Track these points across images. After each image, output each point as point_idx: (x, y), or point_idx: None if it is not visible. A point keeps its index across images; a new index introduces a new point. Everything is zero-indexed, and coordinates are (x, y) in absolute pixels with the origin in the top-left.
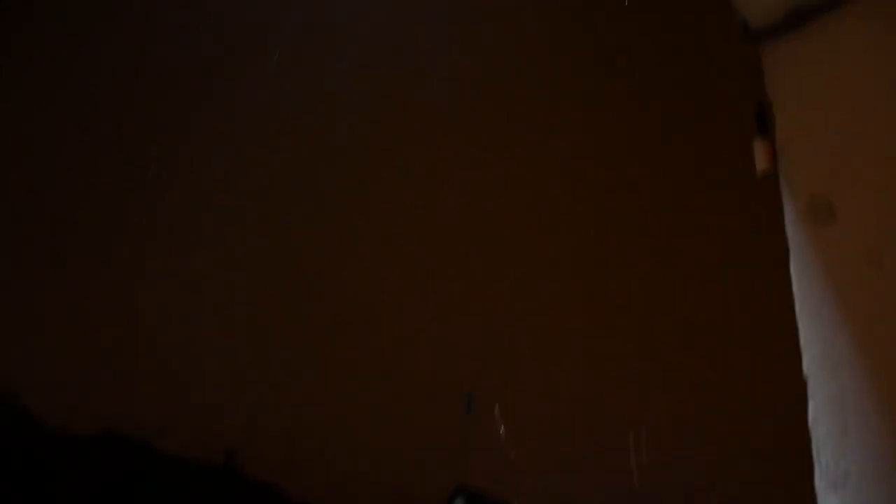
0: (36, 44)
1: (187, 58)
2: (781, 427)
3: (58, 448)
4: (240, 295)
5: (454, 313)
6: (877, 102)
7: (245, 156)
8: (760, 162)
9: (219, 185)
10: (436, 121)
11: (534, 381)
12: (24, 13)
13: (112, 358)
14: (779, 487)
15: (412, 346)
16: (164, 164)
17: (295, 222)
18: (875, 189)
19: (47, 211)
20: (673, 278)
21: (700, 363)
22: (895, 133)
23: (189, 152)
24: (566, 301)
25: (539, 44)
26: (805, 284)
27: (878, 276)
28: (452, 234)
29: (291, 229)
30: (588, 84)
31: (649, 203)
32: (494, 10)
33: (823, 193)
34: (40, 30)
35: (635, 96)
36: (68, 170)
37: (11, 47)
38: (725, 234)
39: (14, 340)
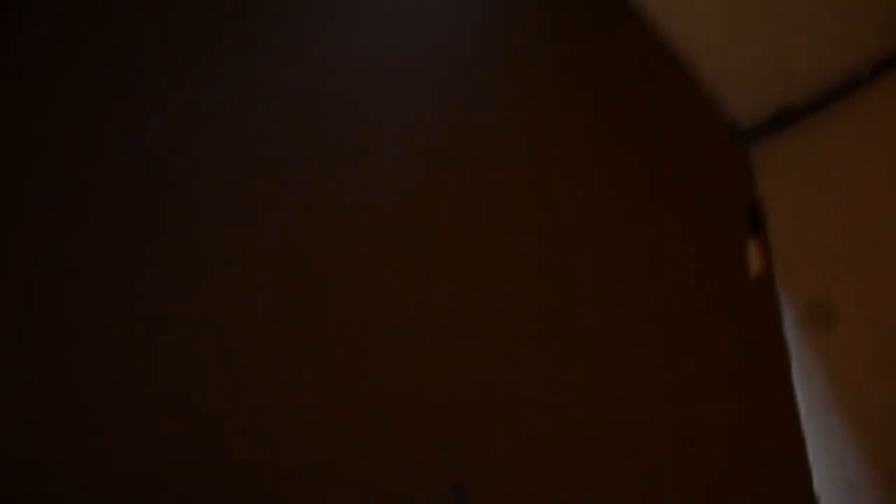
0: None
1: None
2: None
3: None
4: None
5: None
6: (871, 203)
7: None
8: (754, 263)
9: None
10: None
11: (527, 471)
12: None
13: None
14: None
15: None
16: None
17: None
18: (878, 293)
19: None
20: (664, 388)
21: (702, 477)
22: (893, 234)
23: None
24: (560, 399)
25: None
26: (809, 394)
27: (887, 388)
28: (444, 319)
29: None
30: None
31: (636, 301)
32: (486, 93)
33: (823, 297)
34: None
35: (624, 195)
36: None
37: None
38: (718, 339)
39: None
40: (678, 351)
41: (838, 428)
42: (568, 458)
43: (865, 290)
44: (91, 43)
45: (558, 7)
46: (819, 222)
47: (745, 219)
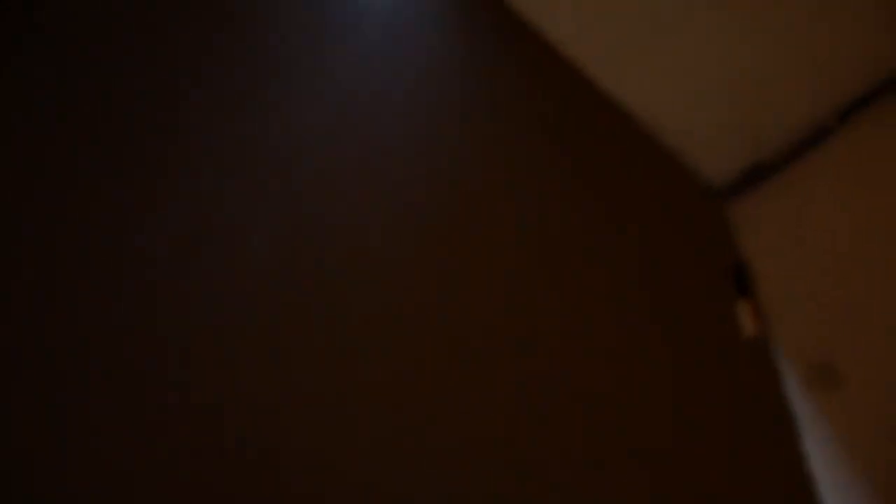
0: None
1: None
2: None
3: None
4: None
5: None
6: (858, 253)
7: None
8: (747, 327)
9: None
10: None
11: None
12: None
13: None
14: None
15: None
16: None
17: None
18: (881, 349)
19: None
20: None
21: None
22: (889, 286)
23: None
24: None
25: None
26: (822, 455)
27: None
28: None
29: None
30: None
31: (620, 376)
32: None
33: (825, 357)
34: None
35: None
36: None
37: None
38: (715, 407)
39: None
40: (674, 422)
41: (851, 487)
42: None
43: (868, 347)
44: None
45: (537, 70)
46: (810, 279)
47: (731, 281)
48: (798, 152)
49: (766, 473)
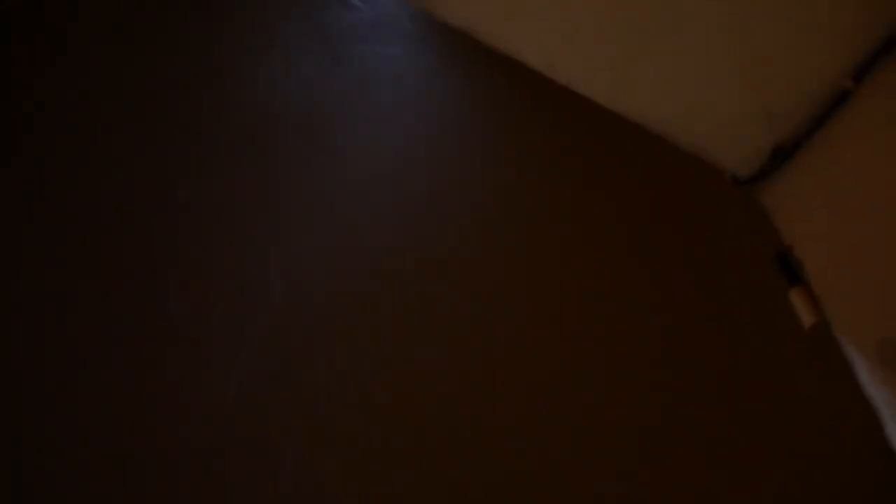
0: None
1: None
2: None
3: None
4: None
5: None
6: None
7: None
8: (806, 315)
9: None
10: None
11: None
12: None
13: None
14: None
15: None
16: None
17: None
18: None
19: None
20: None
21: None
22: None
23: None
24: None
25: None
26: None
27: None
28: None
29: None
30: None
31: (677, 382)
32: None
33: (893, 332)
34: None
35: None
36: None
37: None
38: (787, 398)
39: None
40: (744, 425)
41: None
42: None
43: None
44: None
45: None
46: (858, 251)
47: (779, 271)
48: (818, 124)
49: (853, 463)
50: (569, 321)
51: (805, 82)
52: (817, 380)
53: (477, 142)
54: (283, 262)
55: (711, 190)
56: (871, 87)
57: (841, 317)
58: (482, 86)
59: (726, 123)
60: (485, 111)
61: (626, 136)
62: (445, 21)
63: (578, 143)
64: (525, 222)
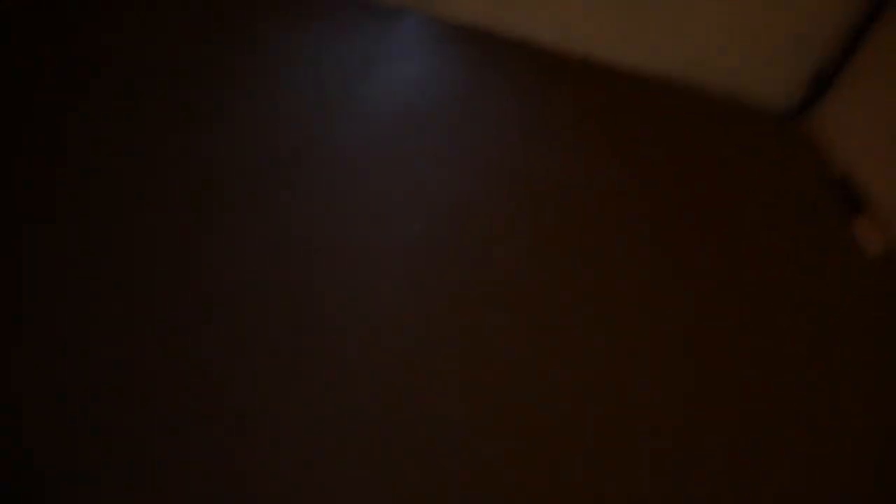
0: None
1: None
2: None
3: None
4: None
5: None
6: None
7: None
8: (872, 243)
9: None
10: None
11: None
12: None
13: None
14: None
15: None
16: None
17: None
18: None
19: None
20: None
21: None
22: None
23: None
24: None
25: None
26: None
27: None
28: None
29: None
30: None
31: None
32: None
33: None
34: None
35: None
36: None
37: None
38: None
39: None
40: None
41: None
42: None
43: None
44: None
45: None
46: None
47: (840, 200)
48: (859, 41)
49: None
50: (629, 288)
51: (834, 2)
52: (890, 310)
53: (520, 126)
54: None
55: (754, 132)
56: None
57: None
58: (507, 78)
59: (760, 57)
60: (520, 99)
61: (657, 101)
62: (457, 21)
63: (608, 114)
64: (581, 200)
